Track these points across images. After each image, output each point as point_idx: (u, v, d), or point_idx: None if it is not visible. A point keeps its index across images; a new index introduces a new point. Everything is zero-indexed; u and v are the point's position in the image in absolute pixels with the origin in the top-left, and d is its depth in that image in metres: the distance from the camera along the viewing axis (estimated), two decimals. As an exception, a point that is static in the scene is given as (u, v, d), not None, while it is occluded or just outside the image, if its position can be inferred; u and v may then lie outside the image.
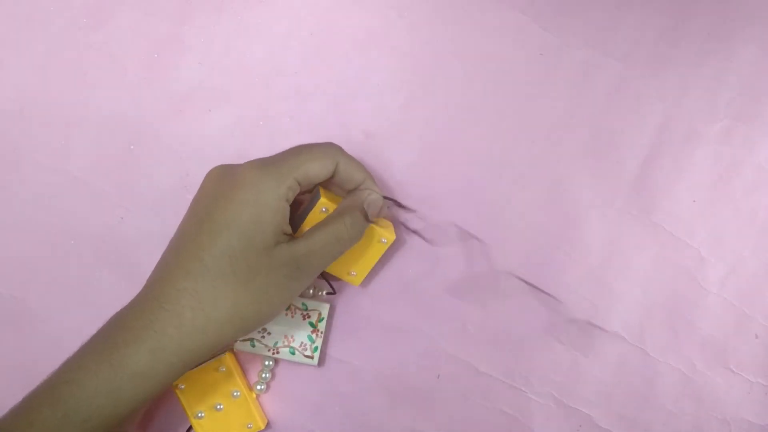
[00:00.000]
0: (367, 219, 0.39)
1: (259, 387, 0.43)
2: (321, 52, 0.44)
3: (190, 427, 0.42)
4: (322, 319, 0.42)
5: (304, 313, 0.42)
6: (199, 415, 0.41)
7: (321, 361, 0.43)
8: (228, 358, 0.41)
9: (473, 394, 0.44)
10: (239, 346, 0.42)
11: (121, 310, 0.35)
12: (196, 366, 0.37)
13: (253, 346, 0.42)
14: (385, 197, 0.41)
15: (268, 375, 0.43)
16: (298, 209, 0.41)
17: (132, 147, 0.44)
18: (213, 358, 0.41)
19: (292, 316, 0.42)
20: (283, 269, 0.36)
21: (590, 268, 0.44)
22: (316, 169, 0.37)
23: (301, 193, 0.39)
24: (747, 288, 0.44)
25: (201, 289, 0.34)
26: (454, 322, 0.44)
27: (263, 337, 0.42)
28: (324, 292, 0.43)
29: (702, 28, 0.44)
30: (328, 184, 0.40)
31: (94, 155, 0.43)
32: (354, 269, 0.41)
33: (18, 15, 0.44)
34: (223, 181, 0.37)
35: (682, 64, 0.44)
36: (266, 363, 0.43)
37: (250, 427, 0.42)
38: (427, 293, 0.44)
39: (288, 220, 0.37)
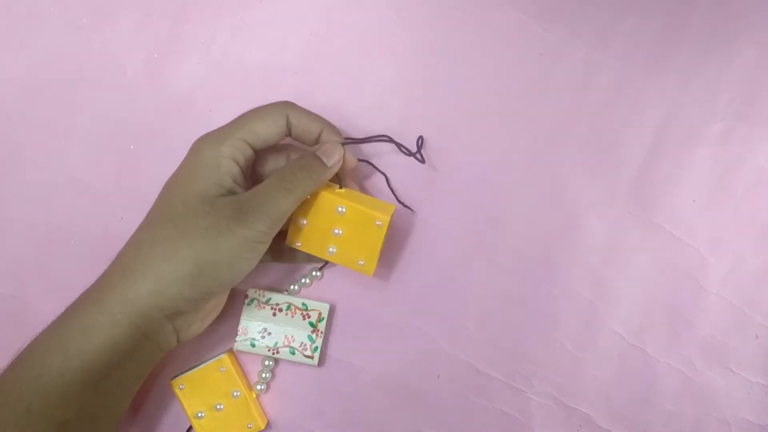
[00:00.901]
0: (323, 165, 0.38)
1: (259, 387, 0.43)
2: (320, 52, 0.44)
3: (190, 427, 0.42)
4: (322, 319, 0.42)
5: (304, 313, 0.42)
6: (199, 415, 0.41)
7: (321, 362, 0.43)
8: (227, 358, 0.41)
9: (473, 394, 0.44)
10: (239, 346, 0.42)
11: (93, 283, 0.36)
12: (167, 329, 0.36)
13: (253, 346, 0.42)
14: (361, 160, 0.41)
15: (268, 375, 0.43)
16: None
17: (132, 147, 0.44)
18: (212, 358, 0.42)
19: (293, 316, 0.42)
20: (225, 211, 0.35)
21: (590, 267, 0.44)
22: (264, 128, 0.38)
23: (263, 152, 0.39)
24: (747, 288, 0.44)
25: (143, 238, 0.36)
26: (454, 322, 0.44)
27: (263, 337, 0.42)
28: (317, 272, 0.43)
29: (702, 29, 0.44)
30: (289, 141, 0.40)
31: (94, 155, 0.44)
32: (360, 258, 0.40)
33: (18, 15, 0.44)
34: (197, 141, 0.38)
35: (682, 64, 0.44)
36: (266, 363, 0.43)
37: (250, 427, 0.42)
38: (426, 293, 0.44)
39: (236, 179, 0.37)
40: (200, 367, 0.41)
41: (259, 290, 0.43)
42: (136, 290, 0.34)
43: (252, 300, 0.42)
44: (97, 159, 0.43)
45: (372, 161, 0.43)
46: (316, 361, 0.42)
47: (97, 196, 0.43)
